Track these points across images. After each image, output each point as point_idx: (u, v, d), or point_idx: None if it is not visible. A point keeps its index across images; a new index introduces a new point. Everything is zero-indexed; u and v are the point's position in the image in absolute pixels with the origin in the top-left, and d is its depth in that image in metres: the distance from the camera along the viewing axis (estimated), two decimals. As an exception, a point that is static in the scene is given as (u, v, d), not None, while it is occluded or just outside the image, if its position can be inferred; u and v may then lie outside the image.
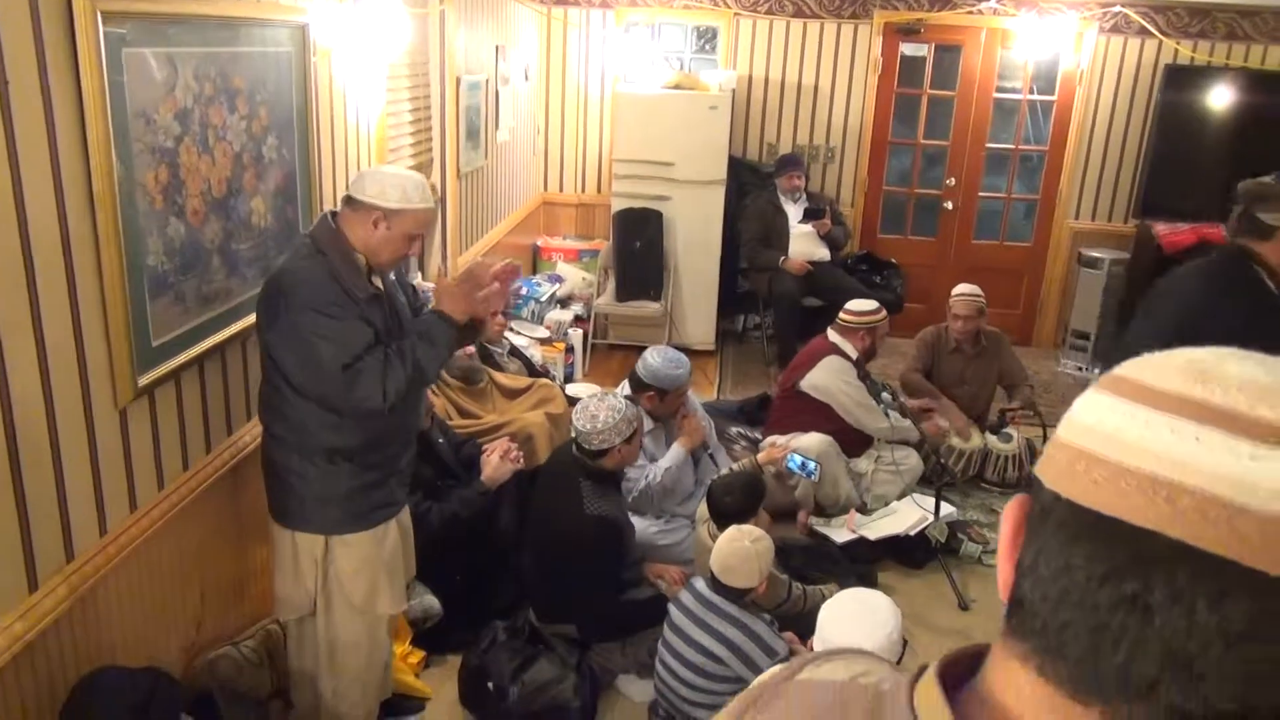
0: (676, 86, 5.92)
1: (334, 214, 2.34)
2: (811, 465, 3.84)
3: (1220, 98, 6.08)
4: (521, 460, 3.29)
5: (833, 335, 4.35)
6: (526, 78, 5.97)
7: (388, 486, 2.49)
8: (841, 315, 4.38)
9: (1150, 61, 6.24)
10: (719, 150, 5.87)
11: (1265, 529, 0.45)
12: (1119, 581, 0.48)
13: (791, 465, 3.84)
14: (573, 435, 3.23)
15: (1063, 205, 6.58)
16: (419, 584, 3.09)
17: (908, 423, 4.26)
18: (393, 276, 2.52)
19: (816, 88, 6.48)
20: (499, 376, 4.05)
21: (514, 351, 4.48)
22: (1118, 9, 6.13)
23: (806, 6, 6.33)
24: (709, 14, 6.41)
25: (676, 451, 3.64)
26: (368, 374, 2.23)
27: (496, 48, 5.12)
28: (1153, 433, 0.48)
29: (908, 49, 6.50)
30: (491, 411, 3.87)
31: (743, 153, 6.52)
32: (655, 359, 3.71)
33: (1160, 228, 6.01)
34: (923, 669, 0.58)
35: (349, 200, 2.30)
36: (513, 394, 4.02)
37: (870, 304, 4.40)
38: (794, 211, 5.93)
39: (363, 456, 2.40)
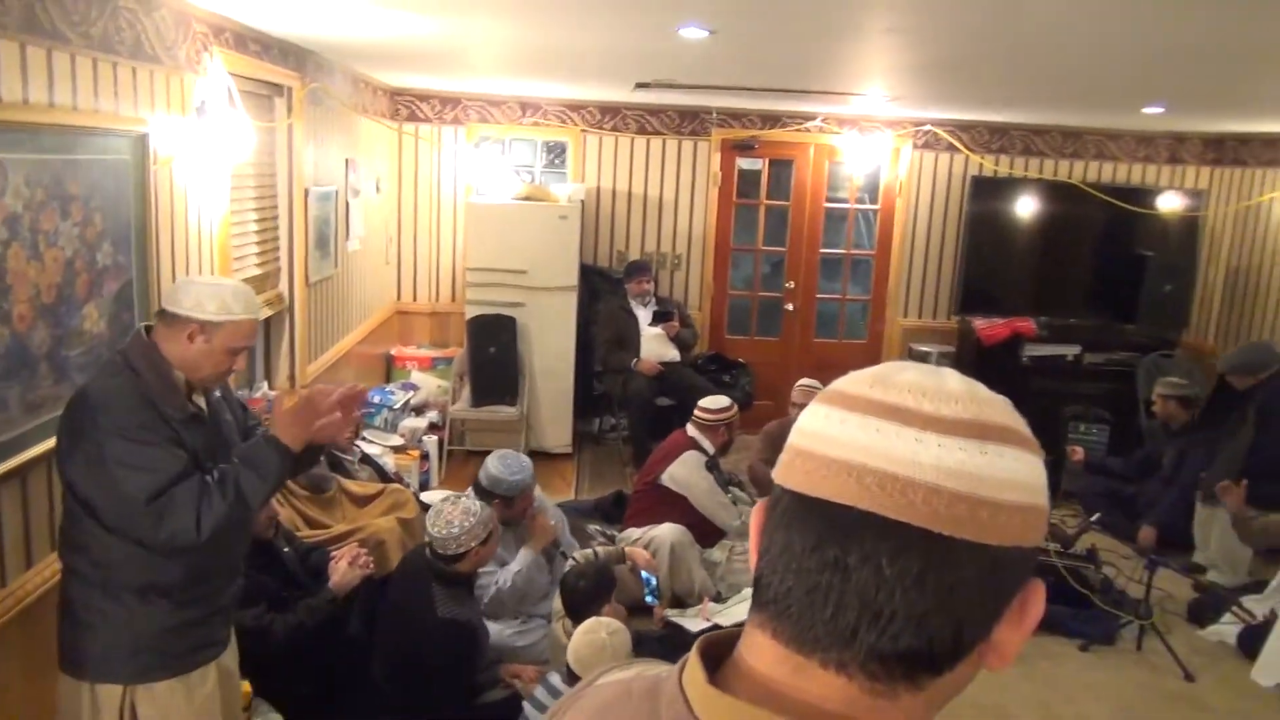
0: (527, 198, 6.12)
1: (149, 328, 2.18)
2: (655, 584, 3.94)
3: (1022, 205, 6.75)
4: (371, 566, 3.23)
5: (691, 431, 4.51)
6: (378, 189, 6.06)
7: (209, 625, 2.26)
8: (697, 413, 4.55)
9: (959, 174, 6.89)
10: (570, 258, 6.07)
11: (927, 496, 0.57)
12: (825, 549, 0.59)
13: (643, 579, 3.94)
14: (426, 540, 3.21)
15: (892, 304, 7.08)
16: (261, 701, 2.96)
17: None
18: (219, 393, 2.36)
19: (661, 198, 6.82)
20: (348, 484, 3.99)
21: (365, 459, 4.43)
22: (928, 127, 6.78)
23: (649, 124, 6.72)
24: (557, 131, 6.71)
25: (525, 554, 3.65)
26: (179, 506, 2.04)
27: (346, 160, 5.19)
28: (846, 429, 0.60)
29: (744, 163, 6.96)
30: (341, 519, 3.80)
31: (594, 260, 6.75)
32: (495, 466, 3.72)
33: (978, 323, 6.54)
34: None
35: (163, 314, 2.15)
36: (363, 501, 3.95)
37: (724, 400, 4.62)
38: (644, 315, 6.15)
39: (183, 592, 2.18)
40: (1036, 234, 6.80)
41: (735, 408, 4.62)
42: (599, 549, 3.95)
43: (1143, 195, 6.67)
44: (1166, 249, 6.60)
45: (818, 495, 0.59)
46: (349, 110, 5.24)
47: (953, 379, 0.62)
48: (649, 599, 3.91)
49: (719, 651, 0.65)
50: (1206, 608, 4.41)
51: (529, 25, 3.52)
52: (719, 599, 4.17)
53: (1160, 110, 5.46)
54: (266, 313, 4.04)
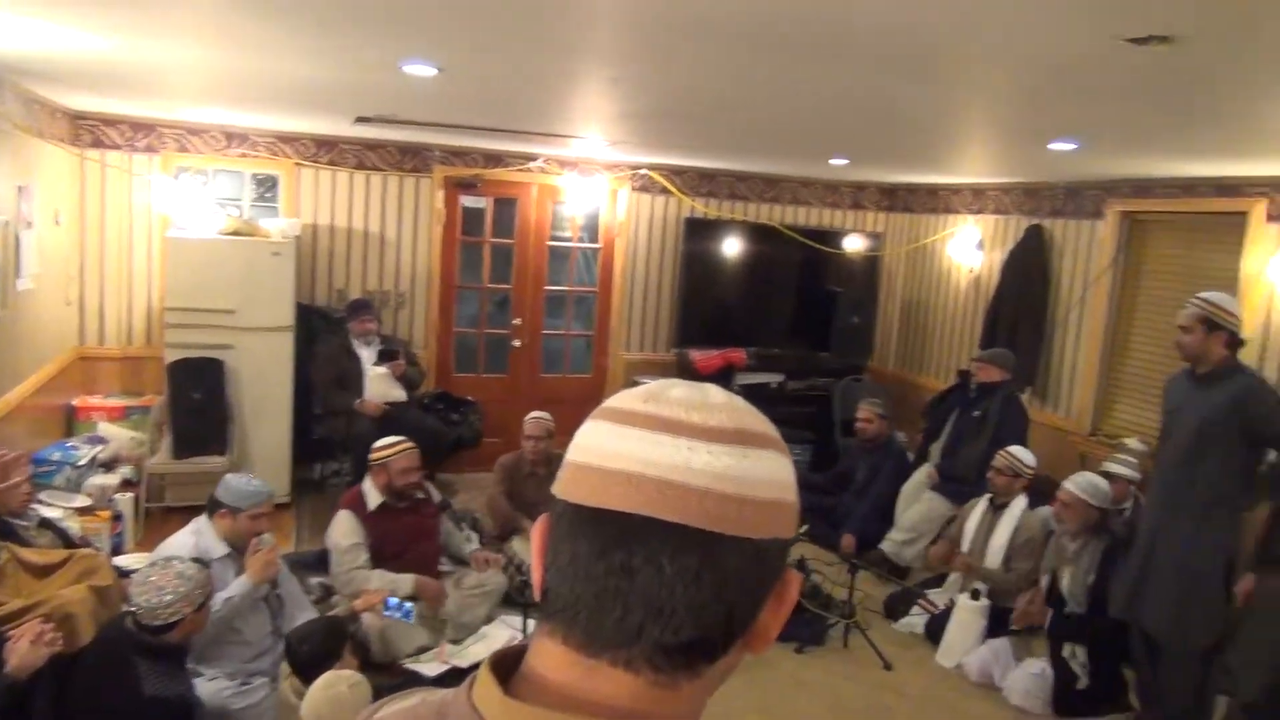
0: (235, 233, 5.74)
1: None
2: (409, 605, 3.80)
3: (730, 245, 7.27)
4: (60, 642, 2.85)
5: (366, 479, 4.32)
6: (57, 222, 5.42)
7: None
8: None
9: (674, 215, 7.30)
10: (285, 296, 5.76)
11: (701, 499, 0.62)
12: (610, 554, 0.63)
13: (389, 606, 3.77)
14: (128, 609, 2.89)
15: (615, 339, 7.34)
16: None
17: (398, 577, 4.08)
18: None
19: (383, 236, 6.65)
20: (25, 553, 3.50)
21: (45, 523, 3.92)
22: (643, 171, 7.14)
23: (368, 160, 6.54)
24: (267, 163, 6.36)
25: (241, 583, 3.42)
26: None
27: (19, 188, 4.61)
28: (623, 442, 0.65)
29: (468, 201, 6.96)
30: (15, 594, 3.32)
31: (311, 299, 6.44)
32: (231, 475, 3.71)
33: (695, 354, 6.95)
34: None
35: None
36: (44, 571, 3.48)
37: (389, 440, 4.34)
38: (367, 355, 5.94)
39: None
40: (744, 271, 7.35)
41: (399, 445, 4.31)
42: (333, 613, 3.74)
43: (831, 236, 7.42)
44: (853, 285, 7.38)
45: (601, 505, 0.63)
46: (21, 133, 4.66)
47: (715, 393, 0.69)
48: (406, 617, 3.77)
49: (508, 665, 0.67)
50: (898, 602, 4.93)
51: (237, 53, 3.32)
52: (456, 641, 4.09)
53: (844, 162, 6.12)
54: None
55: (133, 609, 2.87)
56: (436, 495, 4.65)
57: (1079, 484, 4.20)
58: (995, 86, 3.05)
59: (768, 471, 0.65)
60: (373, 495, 4.27)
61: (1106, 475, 4.44)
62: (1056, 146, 4.23)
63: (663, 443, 0.63)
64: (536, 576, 0.68)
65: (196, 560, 3.15)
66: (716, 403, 0.67)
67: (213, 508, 3.62)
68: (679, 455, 0.63)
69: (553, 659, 0.65)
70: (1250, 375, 3.59)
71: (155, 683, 2.77)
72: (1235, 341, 3.52)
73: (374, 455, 4.31)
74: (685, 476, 0.62)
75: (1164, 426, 3.76)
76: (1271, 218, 4.71)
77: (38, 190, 4.96)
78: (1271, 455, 3.60)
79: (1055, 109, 3.30)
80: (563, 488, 0.67)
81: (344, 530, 4.17)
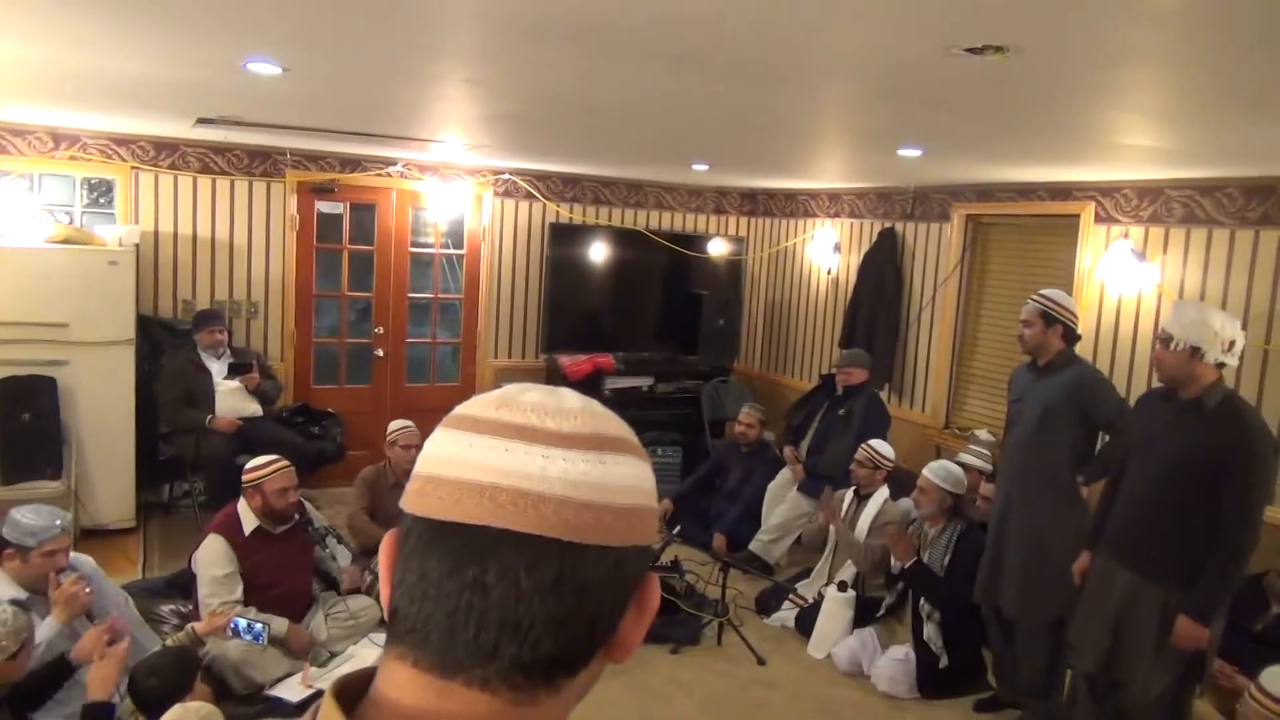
0: (66, 241, 5.36)
1: None
2: (259, 627, 3.61)
3: (596, 251, 7.27)
4: None
5: (241, 500, 4.04)
6: None
7: None
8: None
9: (539, 221, 7.24)
10: (124, 309, 5.42)
11: (558, 508, 0.59)
12: (463, 570, 0.59)
13: (237, 629, 3.57)
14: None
15: (483, 346, 7.22)
16: None
17: (273, 621, 3.80)
18: None
19: (233, 243, 6.34)
20: None
21: None
22: (507, 176, 7.05)
23: (214, 164, 6.23)
24: (101, 167, 5.97)
25: (48, 625, 3.13)
26: None
27: None
28: (475, 451, 0.61)
29: (324, 207, 6.71)
30: None
31: (154, 310, 6.08)
32: (17, 512, 3.27)
33: (564, 359, 6.91)
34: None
35: None
36: None
37: (261, 459, 4.07)
38: (218, 368, 5.65)
39: None
40: (610, 276, 7.36)
41: (273, 465, 4.02)
42: (168, 642, 3.48)
43: (696, 241, 7.51)
44: (718, 288, 7.49)
45: (452, 519, 0.60)
46: None
47: (570, 397, 0.66)
48: (258, 640, 3.56)
49: (354, 693, 0.63)
50: (770, 598, 5.03)
51: (60, 49, 3.08)
52: (321, 664, 3.92)
53: (705, 168, 6.20)
54: None
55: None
56: (314, 513, 4.42)
57: (934, 470, 4.41)
58: (841, 94, 3.15)
59: (626, 477, 0.63)
60: (248, 518, 3.96)
61: (961, 466, 4.66)
62: (904, 152, 4.41)
63: (516, 450, 0.60)
64: (385, 596, 0.64)
65: (15, 603, 2.89)
66: (572, 407, 0.64)
67: (3, 547, 3.22)
68: (533, 463, 0.60)
69: (403, 682, 0.61)
70: (1085, 365, 3.83)
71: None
72: (1071, 335, 3.75)
73: (247, 477, 4.00)
74: (540, 486, 0.59)
75: (1009, 416, 3.97)
76: (1100, 219, 5.04)
77: None
78: (1105, 438, 3.86)
79: (900, 116, 3.43)
80: (411, 501, 0.63)
81: (215, 558, 3.83)
